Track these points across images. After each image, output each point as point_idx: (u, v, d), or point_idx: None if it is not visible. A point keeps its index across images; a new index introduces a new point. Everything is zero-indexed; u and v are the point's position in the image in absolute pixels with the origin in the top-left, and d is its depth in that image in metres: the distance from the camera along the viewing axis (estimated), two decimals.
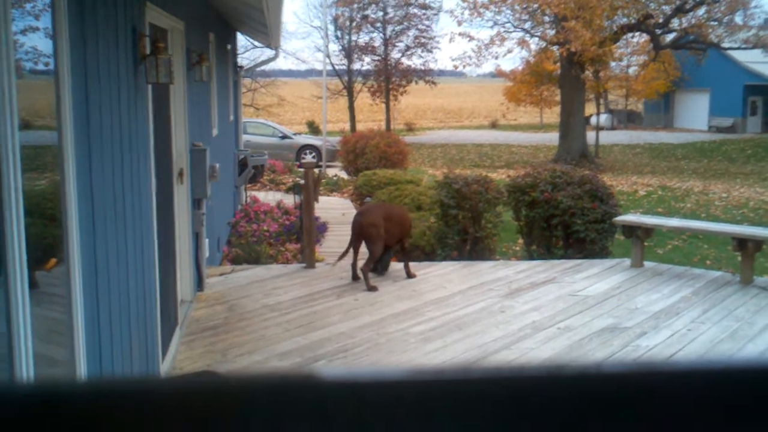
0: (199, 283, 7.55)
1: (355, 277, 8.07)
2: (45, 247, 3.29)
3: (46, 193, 3.31)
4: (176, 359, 5.95)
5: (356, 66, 38.19)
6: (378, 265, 8.24)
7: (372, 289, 7.68)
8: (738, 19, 28.11)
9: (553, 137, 31.27)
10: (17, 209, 2.64)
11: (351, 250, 8.19)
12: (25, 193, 2.68)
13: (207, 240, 7.90)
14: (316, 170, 11.66)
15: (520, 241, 11.09)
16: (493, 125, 50.07)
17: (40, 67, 3.27)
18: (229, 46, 12.60)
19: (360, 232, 8.06)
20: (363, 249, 8.12)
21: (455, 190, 9.55)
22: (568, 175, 9.83)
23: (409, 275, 8.26)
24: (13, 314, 2.61)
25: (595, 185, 9.64)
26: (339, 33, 37.84)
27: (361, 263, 7.99)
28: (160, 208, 5.80)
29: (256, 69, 22.65)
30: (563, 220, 9.44)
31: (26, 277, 2.69)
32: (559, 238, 9.63)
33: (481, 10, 27.00)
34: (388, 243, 8.18)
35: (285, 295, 7.55)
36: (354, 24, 37.14)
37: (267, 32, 12.59)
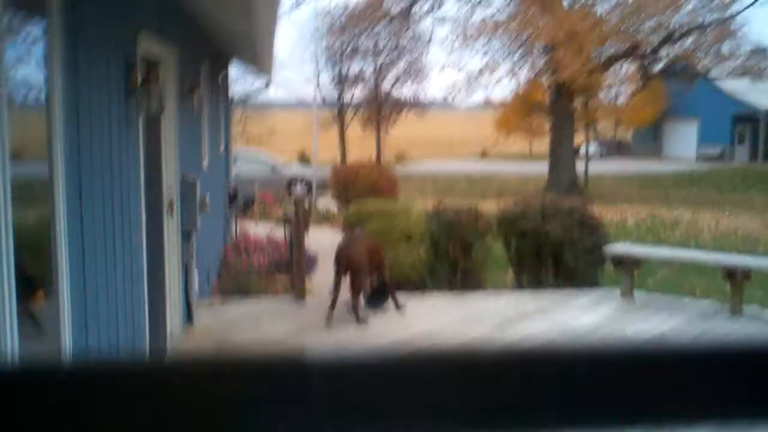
0: (189, 316, 7.51)
1: (333, 306, 7.84)
2: (34, 280, 3.29)
3: (36, 226, 3.32)
4: None
5: (347, 95, 38.44)
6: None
7: (362, 321, 7.64)
8: (725, 48, 28.45)
9: (542, 167, 31.42)
10: (6, 242, 2.63)
11: (336, 284, 8.01)
12: (15, 225, 2.69)
13: (197, 272, 7.88)
14: (307, 202, 11.67)
15: (511, 271, 11.11)
16: (483, 155, 50.30)
17: (32, 98, 3.29)
18: (221, 77, 12.65)
19: (346, 265, 7.96)
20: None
21: (445, 221, 9.58)
22: (557, 206, 9.88)
23: (398, 306, 8.19)
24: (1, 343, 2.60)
25: (584, 215, 9.69)
26: (330, 63, 38.08)
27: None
28: (150, 240, 5.79)
29: (247, 99, 22.74)
30: (553, 250, 9.47)
31: (15, 311, 2.68)
32: (549, 268, 9.64)
33: (470, 41, 27.25)
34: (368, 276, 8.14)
35: (274, 329, 7.53)
36: (345, 54, 37.39)
37: (259, 62, 12.68)
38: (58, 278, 3.33)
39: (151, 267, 5.67)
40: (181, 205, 7.18)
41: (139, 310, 5.18)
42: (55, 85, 3.29)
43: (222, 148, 12.86)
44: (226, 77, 13.72)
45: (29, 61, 3.25)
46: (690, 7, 27.10)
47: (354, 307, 7.71)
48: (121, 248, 4.56)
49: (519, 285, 10.07)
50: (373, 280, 8.16)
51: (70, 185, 3.44)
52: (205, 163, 9.58)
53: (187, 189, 7.28)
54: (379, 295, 8.25)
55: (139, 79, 4.94)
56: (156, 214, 6.45)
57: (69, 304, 3.40)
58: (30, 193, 3.26)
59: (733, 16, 27.73)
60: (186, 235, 7.35)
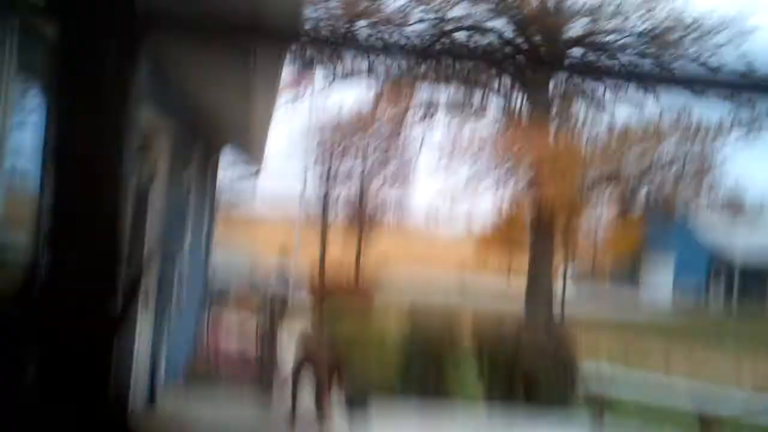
0: (152, 397, 7.27)
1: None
2: None
3: None
4: None
5: (334, 193, 38.65)
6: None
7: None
8: (704, 184, 28.76)
9: (520, 282, 31.30)
10: None
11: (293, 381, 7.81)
12: None
13: (165, 354, 7.68)
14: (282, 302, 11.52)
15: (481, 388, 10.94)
16: (463, 267, 50.40)
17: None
18: (212, 161, 12.71)
19: (308, 357, 7.79)
20: None
21: (418, 329, 9.51)
22: (534, 340, 9.87)
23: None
24: None
25: (561, 354, 9.66)
26: (320, 160, 38.30)
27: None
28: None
29: (234, 186, 22.75)
30: (526, 373, 9.38)
31: None
32: (521, 385, 9.53)
33: (460, 152, 27.72)
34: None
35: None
36: (335, 153, 37.72)
37: (251, 149, 12.76)
38: None
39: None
40: (158, 279, 7.06)
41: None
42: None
43: (204, 232, 12.78)
44: (216, 162, 13.79)
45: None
46: (674, 139, 27.64)
47: (322, 404, 7.49)
48: None
49: (490, 397, 9.88)
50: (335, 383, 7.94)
51: None
52: (186, 243, 9.49)
53: (166, 263, 7.19)
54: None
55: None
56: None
57: None
58: None
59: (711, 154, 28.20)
60: (159, 312, 7.21)
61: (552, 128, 27.02)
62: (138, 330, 6.61)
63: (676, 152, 27.64)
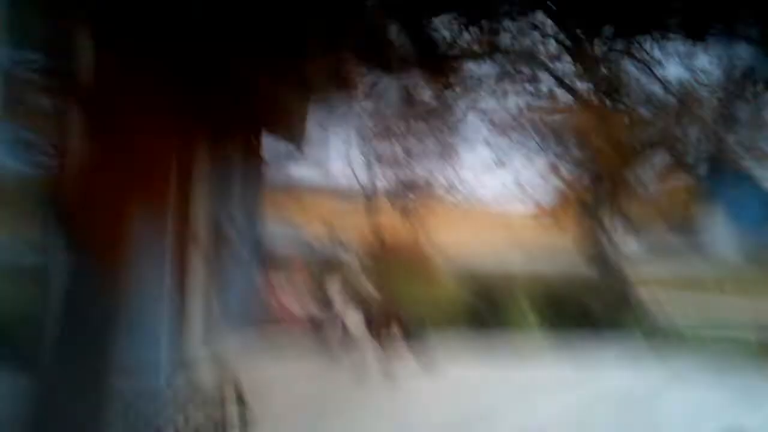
0: (210, 343, 7.21)
1: None
2: None
3: None
4: None
5: (382, 179, 38.55)
6: None
7: (390, 377, 7.26)
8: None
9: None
10: None
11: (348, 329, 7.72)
12: None
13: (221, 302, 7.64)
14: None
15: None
16: (520, 247, 49.87)
17: None
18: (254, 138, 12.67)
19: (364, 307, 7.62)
20: None
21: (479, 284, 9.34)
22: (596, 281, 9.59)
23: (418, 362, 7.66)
24: None
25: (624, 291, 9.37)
26: (362, 141, 38.26)
27: None
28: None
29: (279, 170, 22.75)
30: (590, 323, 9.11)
31: None
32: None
33: (508, 131, 27.31)
34: None
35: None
36: (377, 135, 37.60)
37: (292, 133, 12.69)
38: None
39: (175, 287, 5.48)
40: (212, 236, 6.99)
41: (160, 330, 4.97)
42: None
43: (253, 200, 12.69)
44: (259, 135, 13.70)
45: None
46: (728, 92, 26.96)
47: (381, 359, 7.43)
48: None
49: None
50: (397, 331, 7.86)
51: None
52: (236, 207, 9.43)
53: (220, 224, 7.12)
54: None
55: None
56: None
57: None
58: None
59: None
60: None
61: (602, 90, 26.46)
62: (194, 285, 6.59)
63: (731, 105, 26.92)
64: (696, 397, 7.30)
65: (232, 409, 6.22)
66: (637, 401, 6.98)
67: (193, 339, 6.66)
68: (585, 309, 9.02)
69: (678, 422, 6.39)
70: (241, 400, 5.01)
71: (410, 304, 8.02)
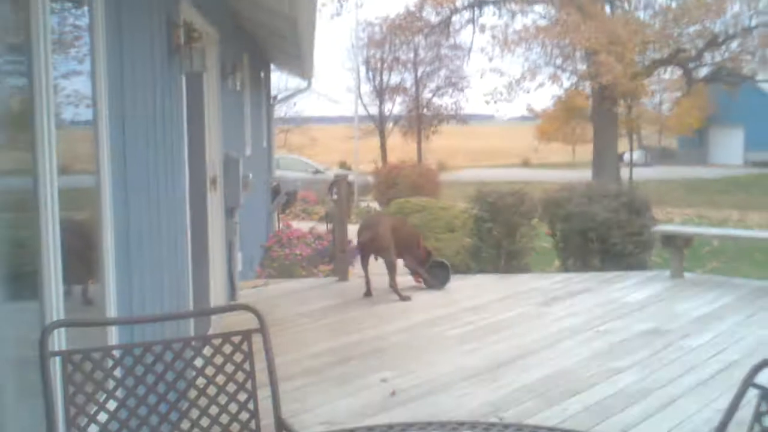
0: (232, 294, 7.50)
1: (368, 293, 7.77)
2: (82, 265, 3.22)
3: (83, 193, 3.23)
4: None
5: (388, 106, 38.54)
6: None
7: (405, 298, 7.56)
8: None
9: (585, 174, 31.02)
10: (54, 224, 2.58)
11: (363, 263, 7.89)
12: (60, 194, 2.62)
13: (240, 254, 7.88)
14: (350, 177, 11.63)
15: (556, 263, 10.94)
16: (525, 164, 49.97)
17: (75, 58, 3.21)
18: (262, 75, 12.73)
19: (368, 244, 7.76)
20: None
21: (489, 204, 9.46)
22: (604, 188, 9.71)
23: (401, 298, 7.68)
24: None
25: (631, 198, 9.50)
26: (371, 74, 38.21)
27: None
28: (194, 215, 5.78)
29: (288, 100, 22.84)
30: (599, 233, 9.28)
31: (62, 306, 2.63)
32: (596, 251, 9.46)
33: (512, 46, 27.05)
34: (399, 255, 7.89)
35: (318, 304, 7.50)
36: (385, 65, 37.48)
37: (299, 63, 12.71)
38: (103, 252, 3.27)
39: (195, 242, 5.65)
40: (224, 181, 7.19)
41: (183, 284, 5.15)
42: (97, 44, 3.23)
43: (264, 144, 12.93)
44: (267, 74, 13.81)
45: (71, 19, 3.19)
46: (735, 9, 26.66)
47: (391, 285, 7.60)
48: (165, 222, 4.52)
49: (565, 269, 9.90)
50: (411, 257, 8.01)
51: (114, 149, 3.39)
52: (248, 151, 9.61)
53: (230, 166, 7.29)
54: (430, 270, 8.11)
55: (182, 38, 4.95)
56: (200, 188, 6.45)
57: (114, 279, 3.35)
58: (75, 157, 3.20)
59: None
60: (229, 213, 7.36)
61: (607, 7, 26.18)
62: (210, 227, 6.77)
63: (741, 21, 26.59)
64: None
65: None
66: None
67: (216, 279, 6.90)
68: (592, 219, 9.13)
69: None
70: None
71: (419, 225, 8.15)
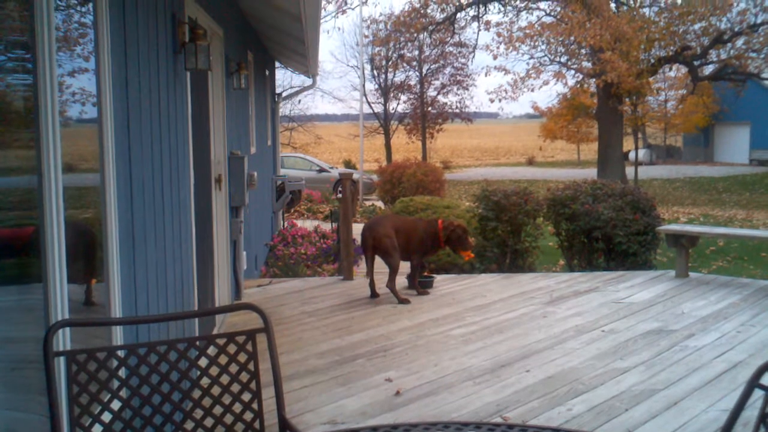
0: (237, 292, 7.51)
1: (373, 295, 7.69)
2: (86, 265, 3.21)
3: (85, 190, 3.23)
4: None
5: (392, 105, 38.51)
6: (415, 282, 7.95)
7: (404, 301, 7.47)
8: None
9: (590, 173, 31.00)
10: (58, 222, 2.57)
11: (367, 264, 7.77)
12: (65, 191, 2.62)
13: (245, 253, 7.87)
14: (355, 175, 11.61)
15: (561, 262, 10.93)
16: (530, 162, 49.94)
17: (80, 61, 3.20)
18: (267, 72, 12.73)
19: (371, 245, 7.64)
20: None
21: (494, 203, 9.44)
22: (609, 187, 9.68)
23: (419, 292, 7.85)
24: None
25: (636, 197, 9.48)
26: (375, 72, 38.19)
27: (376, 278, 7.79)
28: (199, 214, 5.77)
29: (293, 98, 22.84)
30: (605, 232, 9.26)
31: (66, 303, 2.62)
32: (601, 251, 9.45)
33: (517, 44, 27.02)
34: (404, 257, 7.76)
35: (322, 303, 7.49)
36: (390, 63, 37.46)
37: (304, 61, 12.71)
38: (107, 251, 3.26)
39: (199, 240, 5.65)
40: (229, 180, 7.19)
41: (188, 284, 5.14)
42: (102, 42, 3.22)
43: (269, 142, 12.93)
44: (272, 71, 13.81)
45: (76, 16, 3.18)
46: (741, 6, 26.59)
47: (389, 287, 7.51)
48: (170, 221, 4.52)
49: (570, 268, 9.89)
50: (415, 258, 7.90)
51: (119, 147, 3.38)
52: (253, 150, 9.61)
53: (235, 165, 7.29)
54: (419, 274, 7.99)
55: (187, 35, 4.94)
56: (205, 187, 6.45)
57: (119, 278, 3.34)
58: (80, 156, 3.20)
59: None
60: (234, 211, 7.36)
61: (612, 5, 26.11)
62: (215, 226, 6.76)
63: (746, 19, 26.52)
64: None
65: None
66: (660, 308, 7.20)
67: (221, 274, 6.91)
68: (597, 218, 9.09)
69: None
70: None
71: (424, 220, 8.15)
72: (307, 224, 14.60)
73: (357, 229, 8.68)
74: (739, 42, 28.02)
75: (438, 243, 7.80)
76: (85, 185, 3.24)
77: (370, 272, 7.73)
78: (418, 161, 22.07)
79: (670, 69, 31.93)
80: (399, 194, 17.41)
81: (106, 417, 2.22)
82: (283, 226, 13.51)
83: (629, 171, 30.03)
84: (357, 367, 5.46)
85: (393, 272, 7.62)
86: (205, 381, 2.38)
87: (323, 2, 7.41)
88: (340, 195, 9.13)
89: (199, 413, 2.36)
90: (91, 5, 3.17)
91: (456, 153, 54.86)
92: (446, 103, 38.67)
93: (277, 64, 15.25)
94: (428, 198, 14.94)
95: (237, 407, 2.38)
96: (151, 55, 4.18)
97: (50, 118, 2.53)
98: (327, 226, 13.69)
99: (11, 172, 2.46)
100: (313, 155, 32.05)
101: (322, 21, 8.32)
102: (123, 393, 2.25)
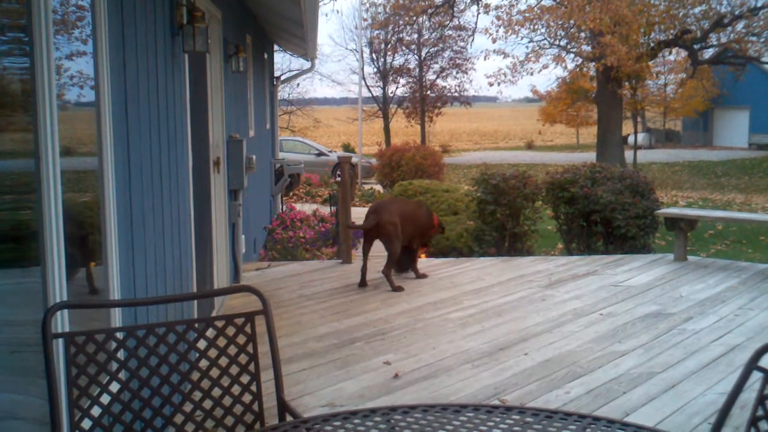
0: (236, 276, 7.51)
1: (362, 284, 7.53)
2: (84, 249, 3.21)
3: (84, 178, 3.22)
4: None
5: (391, 88, 38.44)
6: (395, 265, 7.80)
7: (398, 289, 7.36)
8: None
9: (590, 156, 30.96)
10: (56, 206, 2.57)
11: (363, 249, 7.67)
12: (63, 176, 2.61)
13: (243, 236, 7.87)
14: (354, 159, 11.60)
15: (560, 246, 10.93)
16: (529, 146, 49.89)
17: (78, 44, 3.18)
18: (266, 55, 12.67)
19: (375, 229, 7.53)
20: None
21: (493, 186, 9.44)
22: (608, 171, 9.68)
23: (418, 275, 7.85)
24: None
25: (635, 180, 9.47)
26: (374, 55, 38.09)
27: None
28: (197, 197, 5.76)
29: (292, 81, 22.73)
30: (603, 215, 9.27)
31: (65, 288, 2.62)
32: (600, 234, 9.45)
33: (516, 27, 26.91)
34: (404, 242, 7.66)
35: (321, 287, 7.49)
36: (389, 46, 37.35)
37: (303, 44, 12.66)
38: (106, 234, 3.26)
39: (198, 224, 5.64)
40: (227, 163, 7.18)
41: (187, 267, 5.14)
42: (99, 24, 3.20)
43: (268, 126, 12.90)
44: (271, 55, 13.76)
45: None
46: None
47: (384, 273, 7.46)
48: (168, 204, 4.51)
49: (569, 252, 9.89)
50: (416, 243, 7.88)
51: (117, 130, 3.36)
52: (252, 133, 9.59)
53: (234, 148, 7.28)
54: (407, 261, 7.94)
55: (185, 17, 4.92)
56: (203, 170, 6.44)
57: (117, 261, 3.34)
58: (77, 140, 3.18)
59: None
60: (233, 194, 7.36)
61: None
62: (213, 209, 6.75)
63: (746, 2, 26.40)
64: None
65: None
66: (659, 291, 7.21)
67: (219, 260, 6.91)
68: (596, 202, 9.10)
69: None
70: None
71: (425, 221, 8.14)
72: (306, 208, 14.60)
73: (355, 213, 8.68)
74: (740, 26, 27.89)
75: (429, 234, 8.09)
76: (84, 169, 3.23)
77: (364, 258, 7.64)
78: (417, 145, 22.05)
79: (670, 53, 31.80)
80: (398, 178, 17.40)
81: (105, 399, 2.22)
82: (282, 209, 13.51)
83: (628, 155, 30.00)
84: (355, 350, 5.48)
85: (391, 259, 7.56)
86: (203, 363, 2.39)
87: None
88: (338, 179, 9.13)
89: (197, 395, 2.36)
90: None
91: (455, 137, 54.75)
92: (445, 87, 38.61)
93: (275, 47, 15.20)
94: (427, 181, 14.94)
95: (236, 389, 2.39)
96: (149, 37, 4.16)
97: (48, 102, 2.51)
98: (326, 210, 13.69)
99: (8, 156, 2.45)
100: (312, 139, 32.01)
101: (320, 4, 8.27)
102: (122, 375, 2.26)
